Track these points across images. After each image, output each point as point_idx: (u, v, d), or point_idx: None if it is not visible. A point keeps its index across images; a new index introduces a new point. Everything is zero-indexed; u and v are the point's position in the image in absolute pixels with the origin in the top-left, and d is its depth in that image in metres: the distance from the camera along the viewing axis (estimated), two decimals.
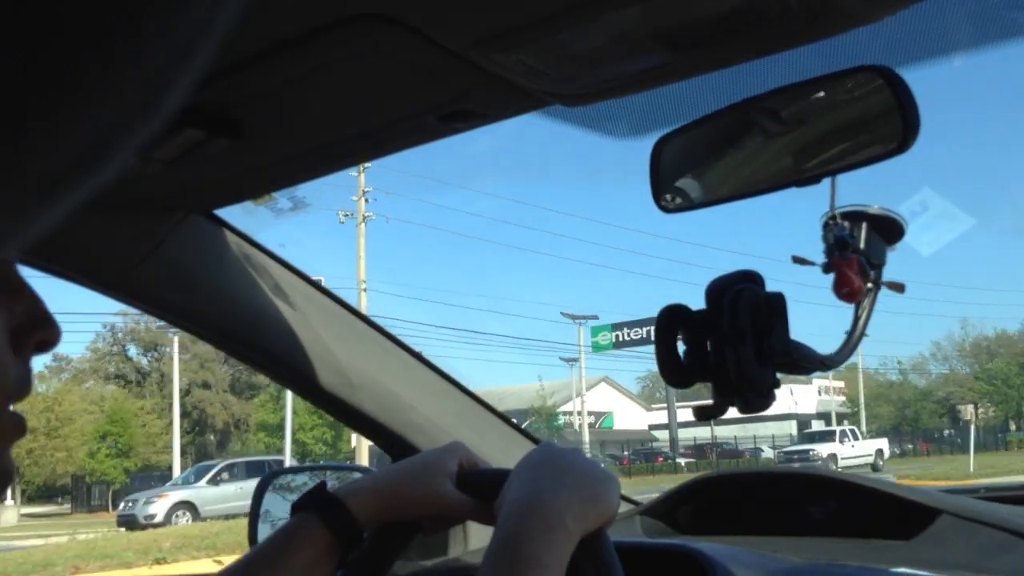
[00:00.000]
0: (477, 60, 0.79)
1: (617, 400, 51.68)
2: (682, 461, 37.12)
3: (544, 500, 0.73)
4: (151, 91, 0.24)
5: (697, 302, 0.77)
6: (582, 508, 0.73)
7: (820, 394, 54.19)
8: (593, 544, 0.74)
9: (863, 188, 0.80)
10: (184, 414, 39.37)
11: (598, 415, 48.95)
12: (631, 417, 50.65)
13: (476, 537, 1.39)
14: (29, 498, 37.04)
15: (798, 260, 0.76)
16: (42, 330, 0.45)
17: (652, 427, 50.38)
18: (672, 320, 0.79)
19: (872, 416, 52.68)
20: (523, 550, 0.69)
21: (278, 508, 1.28)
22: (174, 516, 20.29)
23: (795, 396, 50.01)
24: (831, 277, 0.75)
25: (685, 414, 40.62)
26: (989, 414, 52.73)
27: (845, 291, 0.74)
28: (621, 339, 40.69)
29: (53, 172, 0.23)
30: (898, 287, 0.75)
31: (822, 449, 31.23)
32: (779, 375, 0.76)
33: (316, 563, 0.79)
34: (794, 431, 45.48)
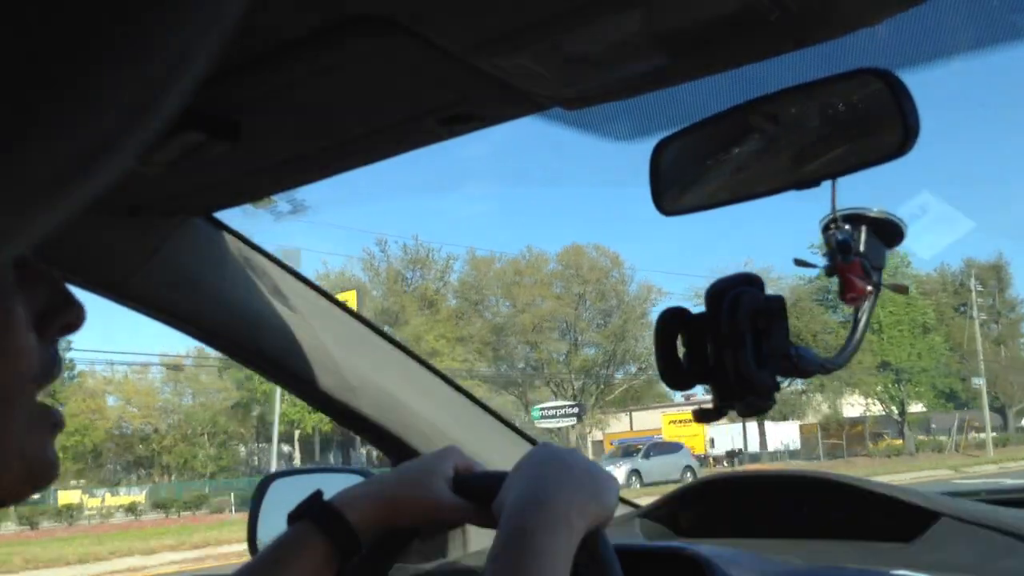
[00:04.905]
0: (477, 63, 0.79)
1: None
2: None
3: (547, 497, 0.73)
4: (152, 94, 0.24)
5: None
6: (584, 505, 0.74)
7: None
8: (592, 544, 0.74)
9: (863, 190, 0.80)
10: None
11: None
12: None
13: (474, 540, 1.39)
14: None
15: (800, 263, 0.76)
16: (66, 312, 0.45)
17: None
18: (672, 322, 0.79)
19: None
20: (529, 543, 0.70)
21: (278, 513, 1.28)
22: None
23: None
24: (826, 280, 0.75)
25: None
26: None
27: (851, 295, 0.74)
28: None
29: (54, 175, 0.23)
30: (902, 288, 0.75)
31: None
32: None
33: (315, 573, 0.79)
34: None
